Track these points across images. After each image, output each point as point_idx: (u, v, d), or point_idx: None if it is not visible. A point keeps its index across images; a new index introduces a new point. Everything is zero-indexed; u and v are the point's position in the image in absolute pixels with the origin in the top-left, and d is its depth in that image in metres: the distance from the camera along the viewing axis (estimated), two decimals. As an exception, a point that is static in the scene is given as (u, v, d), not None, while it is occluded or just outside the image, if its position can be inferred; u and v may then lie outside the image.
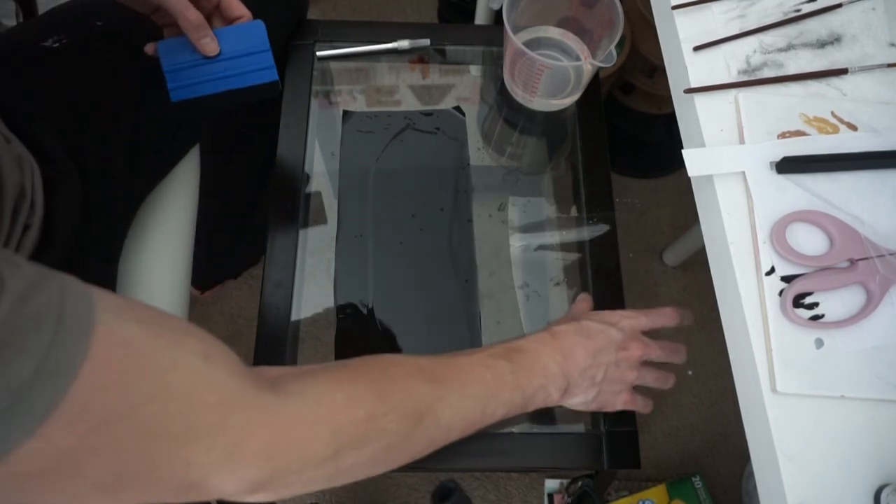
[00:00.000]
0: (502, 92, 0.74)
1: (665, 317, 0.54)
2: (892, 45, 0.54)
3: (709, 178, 0.49)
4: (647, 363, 0.54)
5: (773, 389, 0.43)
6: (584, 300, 0.59)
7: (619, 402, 0.53)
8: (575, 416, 0.59)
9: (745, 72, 0.53)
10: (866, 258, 0.45)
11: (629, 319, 0.53)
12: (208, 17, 0.56)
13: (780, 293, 0.45)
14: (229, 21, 0.58)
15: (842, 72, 0.52)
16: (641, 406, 0.55)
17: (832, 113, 0.51)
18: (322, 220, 0.67)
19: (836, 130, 0.50)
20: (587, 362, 0.49)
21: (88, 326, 0.25)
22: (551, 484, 1.00)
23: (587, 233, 0.66)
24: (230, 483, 0.32)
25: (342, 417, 0.35)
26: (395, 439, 0.37)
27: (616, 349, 0.51)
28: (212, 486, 0.31)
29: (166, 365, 0.29)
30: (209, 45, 0.56)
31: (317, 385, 0.35)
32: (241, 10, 0.58)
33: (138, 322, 0.29)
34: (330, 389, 0.35)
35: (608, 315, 0.53)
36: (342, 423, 0.35)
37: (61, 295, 0.25)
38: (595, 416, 0.59)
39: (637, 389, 0.54)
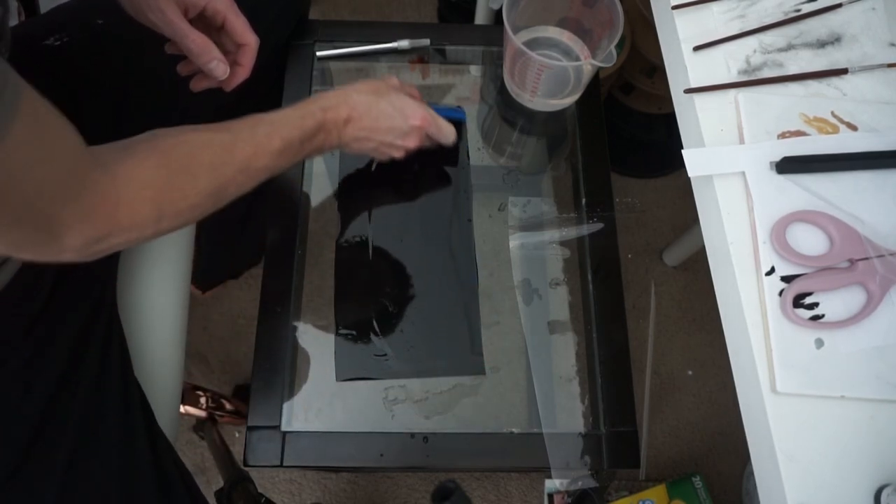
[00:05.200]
0: (502, 92, 0.74)
1: (446, 137, 0.64)
2: (892, 45, 0.54)
3: (709, 179, 0.49)
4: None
5: (773, 389, 0.43)
6: (411, 87, 0.65)
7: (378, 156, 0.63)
8: (575, 416, 0.59)
9: (744, 72, 0.53)
10: (866, 258, 0.45)
11: (424, 122, 0.61)
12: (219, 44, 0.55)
13: (780, 293, 0.45)
14: (235, 46, 0.57)
15: (842, 72, 0.52)
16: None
17: (832, 113, 0.51)
18: (322, 220, 0.67)
19: (836, 130, 0.50)
20: (363, 135, 0.58)
21: (19, 96, 0.33)
22: (551, 484, 1.00)
23: (587, 232, 0.66)
24: (76, 239, 0.39)
25: (163, 197, 0.44)
26: (202, 209, 0.48)
27: (395, 137, 0.60)
28: (64, 240, 0.38)
29: (57, 136, 0.37)
30: (217, 69, 0.54)
31: (139, 169, 0.42)
32: (248, 38, 0.56)
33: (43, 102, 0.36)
34: (150, 174, 0.43)
35: (411, 108, 0.60)
36: (162, 201, 0.44)
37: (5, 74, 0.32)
38: (595, 417, 0.59)
39: None
